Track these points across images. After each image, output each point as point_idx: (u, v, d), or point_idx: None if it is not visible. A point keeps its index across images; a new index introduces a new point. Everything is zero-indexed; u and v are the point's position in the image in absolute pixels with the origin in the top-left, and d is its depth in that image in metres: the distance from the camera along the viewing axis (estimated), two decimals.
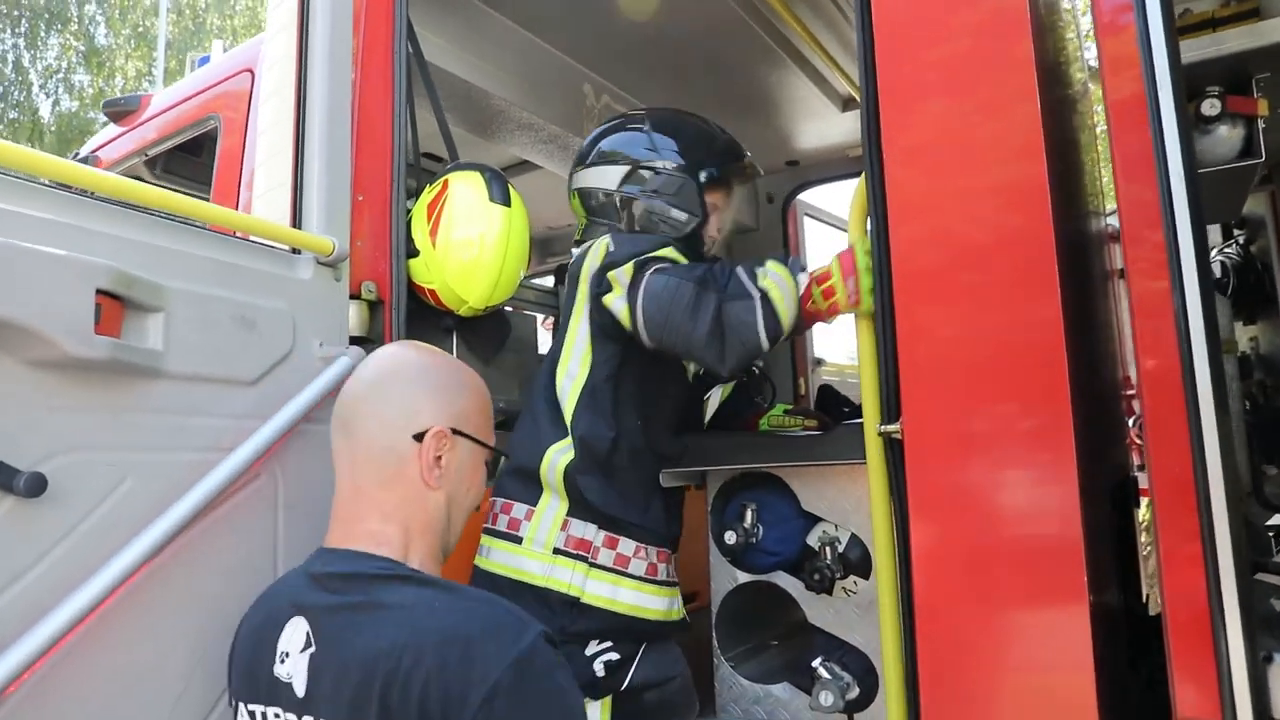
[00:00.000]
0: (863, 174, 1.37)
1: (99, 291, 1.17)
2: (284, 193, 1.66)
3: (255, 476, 1.42)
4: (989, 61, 1.25)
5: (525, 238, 1.91)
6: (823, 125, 3.23)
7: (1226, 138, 1.65)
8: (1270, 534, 2.11)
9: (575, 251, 1.87)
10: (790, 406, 2.03)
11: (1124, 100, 1.14)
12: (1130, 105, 1.12)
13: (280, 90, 1.72)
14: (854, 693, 1.58)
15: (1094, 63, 1.29)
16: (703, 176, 1.80)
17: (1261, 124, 1.62)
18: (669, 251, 1.65)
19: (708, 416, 1.98)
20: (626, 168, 1.82)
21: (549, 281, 3.36)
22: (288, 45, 1.70)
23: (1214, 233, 3.12)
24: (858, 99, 1.68)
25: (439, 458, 1.21)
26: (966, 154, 1.26)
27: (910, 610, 1.24)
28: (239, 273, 1.46)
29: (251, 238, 1.55)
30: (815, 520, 1.74)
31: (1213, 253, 2.97)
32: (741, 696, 1.78)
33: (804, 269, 1.58)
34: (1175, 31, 1.10)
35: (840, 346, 4.02)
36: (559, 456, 1.65)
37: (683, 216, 1.79)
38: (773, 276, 1.54)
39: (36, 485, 1.09)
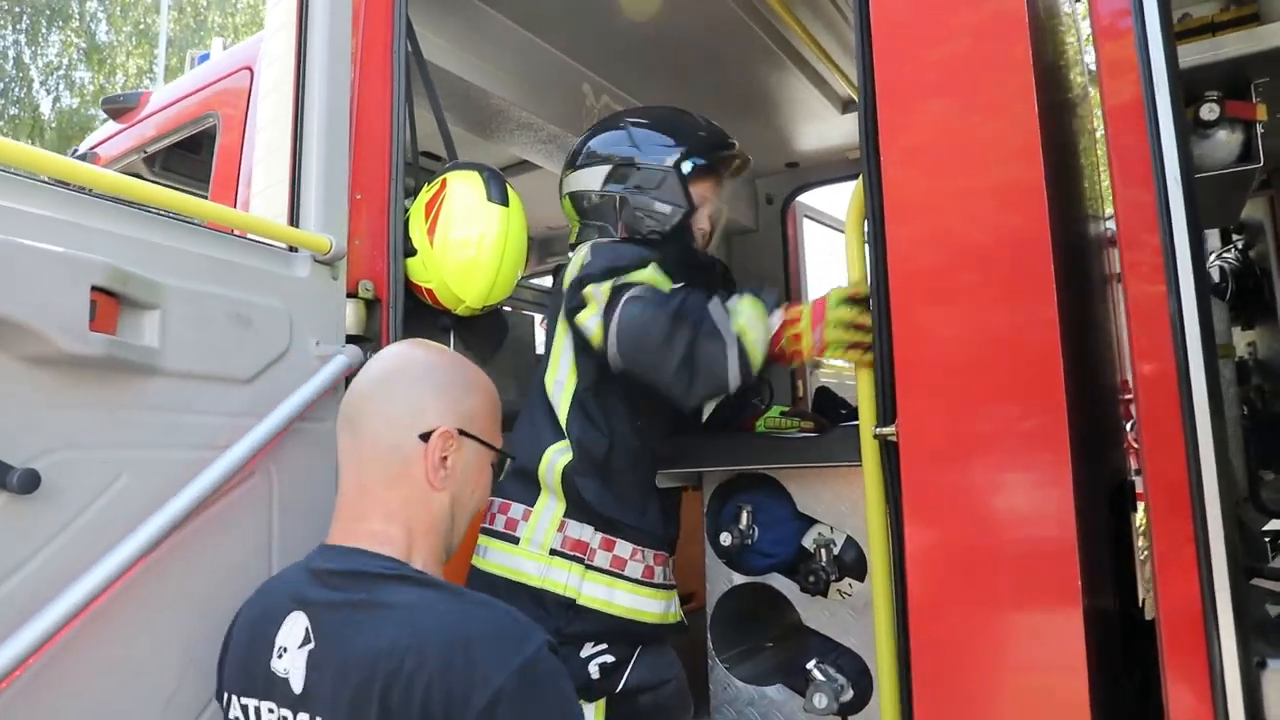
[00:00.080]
0: (860, 175, 1.37)
1: (94, 288, 1.17)
2: (282, 190, 1.65)
3: (250, 475, 1.42)
4: (987, 63, 1.25)
5: (523, 237, 1.91)
6: (822, 127, 3.24)
7: (1225, 142, 1.65)
8: (1267, 539, 2.11)
9: (571, 255, 1.87)
10: (787, 408, 2.03)
11: (1121, 104, 1.14)
12: (1128, 109, 1.12)
13: (279, 88, 1.71)
14: (848, 695, 1.58)
15: (1094, 66, 1.29)
16: (686, 168, 1.79)
17: (1260, 129, 1.62)
18: (647, 273, 1.62)
19: (704, 417, 1.98)
20: (609, 167, 1.83)
21: (548, 281, 3.36)
22: (287, 43, 1.70)
23: (1213, 237, 3.12)
24: (857, 101, 1.68)
25: (444, 458, 1.20)
26: (964, 155, 1.26)
27: (904, 613, 1.24)
28: (235, 270, 1.46)
29: (248, 235, 1.55)
30: (811, 522, 1.74)
31: (1211, 257, 2.97)
32: (736, 698, 1.78)
33: (780, 306, 1.58)
34: (1173, 36, 1.10)
35: None
36: (558, 457, 1.65)
37: (667, 209, 1.78)
38: (747, 318, 1.54)
39: (30, 482, 1.09)
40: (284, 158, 1.66)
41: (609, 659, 1.61)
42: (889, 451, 1.31)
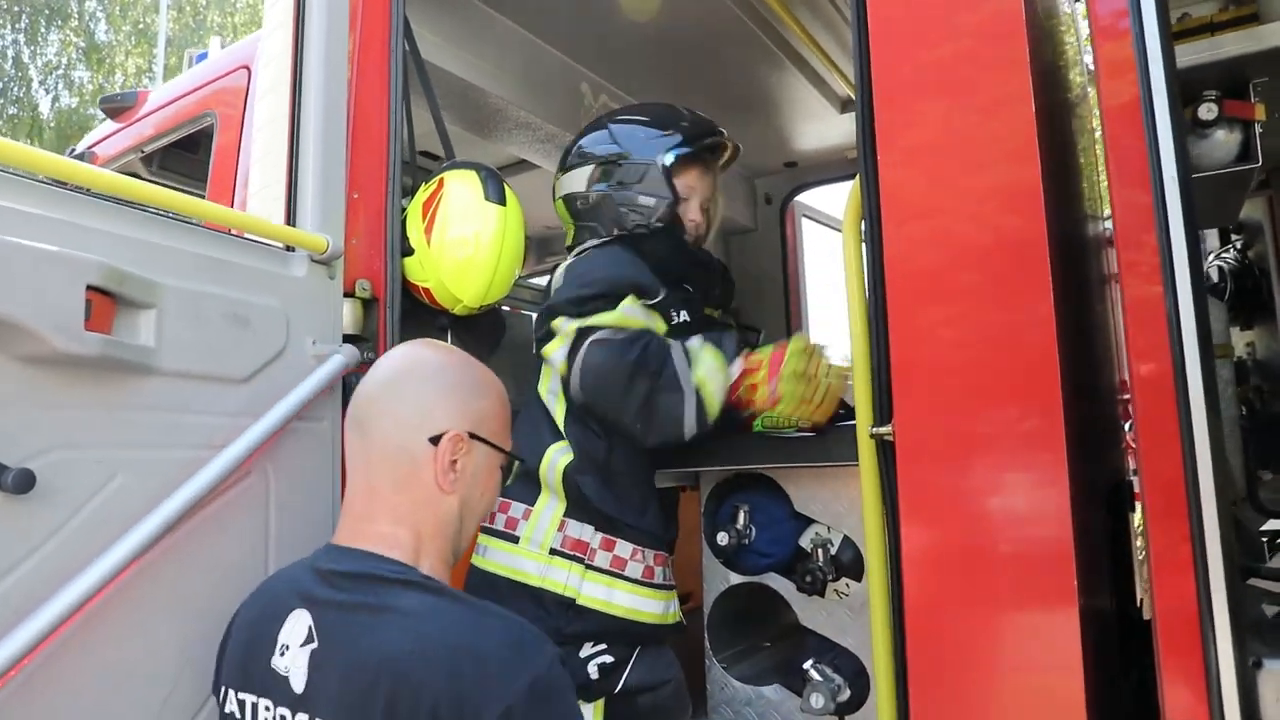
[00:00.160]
0: (857, 175, 1.37)
1: (89, 288, 1.17)
2: (279, 190, 1.65)
3: (247, 474, 1.41)
4: (985, 63, 1.25)
5: (520, 237, 1.91)
6: (821, 127, 3.23)
7: (1223, 142, 1.65)
8: (1264, 539, 2.10)
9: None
10: None
11: (1119, 104, 1.14)
12: (1125, 109, 1.12)
13: (276, 87, 1.71)
14: (845, 695, 1.58)
15: (1093, 66, 1.29)
16: (668, 159, 1.79)
17: (1259, 128, 1.61)
18: (613, 316, 1.64)
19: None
20: (592, 167, 1.83)
21: (544, 281, 3.35)
22: (284, 42, 1.69)
23: (1211, 237, 3.12)
24: (855, 101, 1.68)
25: (454, 461, 1.18)
26: (961, 156, 1.26)
27: (901, 613, 1.24)
28: (232, 270, 1.45)
29: (245, 235, 1.55)
30: (808, 522, 1.74)
31: (1210, 258, 2.97)
32: (733, 698, 1.78)
33: (740, 354, 1.64)
34: (1171, 36, 1.10)
35: (838, 348, 4.02)
36: (559, 456, 1.65)
37: (650, 201, 1.77)
38: (707, 369, 1.59)
39: (24, 481, 1.09)
40: (281, 157, 1.65)
41: (608, 659, 1.61)
42: (885, 451, 1.30)
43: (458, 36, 2.27)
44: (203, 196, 2.23)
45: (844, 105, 3.09)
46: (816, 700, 1.56)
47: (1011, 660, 1.18)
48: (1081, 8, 2.21)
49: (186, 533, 1.30)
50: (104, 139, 2.75)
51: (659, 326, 1.73)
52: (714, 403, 1.59)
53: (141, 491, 1.24)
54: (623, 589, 1.64)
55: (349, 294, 1.68)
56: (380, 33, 1.80)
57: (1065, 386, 1.16)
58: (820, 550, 1.69)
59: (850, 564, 1.67)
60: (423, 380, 1.22)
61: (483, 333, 2.13)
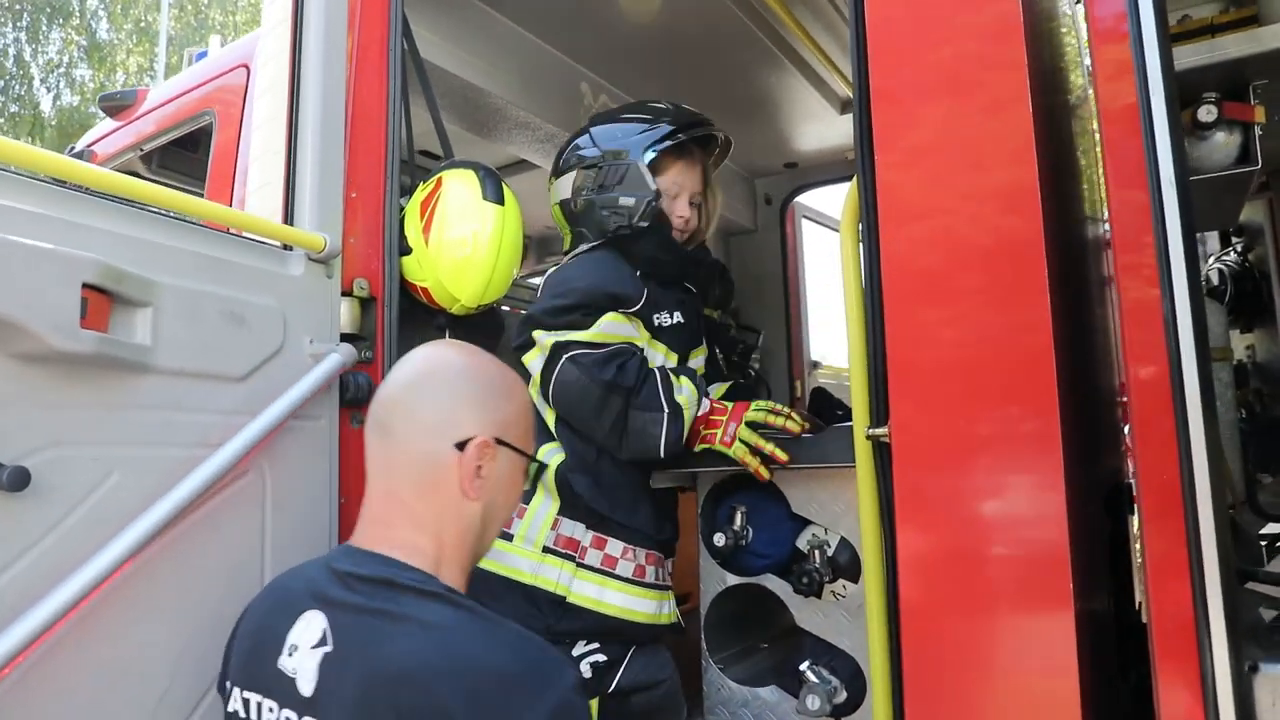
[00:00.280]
0: (854, 177, 1.37)
1: (86, 286, 1.16)
2: (277, 188, 1.65)
3: (243, 473, 1.41)
4: (983, 65, 1.25)
5: (518, 236, 1.91)
6: (821, 127, 3.23)
7: (1223, 144, 1.64)
8: (1263, 543, 2.10)
9: None
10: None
11: (1116, 107, 1.14)
12: (1123, 112, 1.12)
13: (275, 86, 1.71)
14: (841, 697, 1.58)
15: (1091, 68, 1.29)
16: (648, 156, 1.77)
17: (1259, 131, 1.61)
18: (590, 334, 1.65)
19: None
20: (575, 172, 1.83)
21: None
22: (283, 41, 1.69)
23: (1212, 240, 3.12)
24: (853, 102, 1.68)
25: (479, 467, 1.15)
26: (959, 157, 1.26)
27: (896, 614, 1.24)
28: (229, 268, 1.45)
29: (243, 233, 1.55)
30: (805, 523, 1.73)
31: (1210, 260, 2.97)
32: (730, 699, 1.78)
33: (706, 395, 1.74)
34: (1169, 38, 1.09)
35: (837, 349, 4.03)
36: (551, 456, 1.66)
37: (630, 201, 1.76)
38: (686, 394, 1.66)
39: (20, 479, 1.08)
40: (279, 156, 1.65)
41: (601, 658, 1.61)
42: (882, 452, 1.30)
43: (457, 36, 2.27)
44: (202, 195, 2.23)
45: (844, 106, 3.09)
46: (813, 702, 1.56)
47: (1007, 662, 1.17)
48: (1081, 10, 2.21)
49: (183, 531, 1.30)
50: (104, 137, 2.75)
51: (641, 335, 1.73)
52: (688, 428, 1.64)
53: (138, 489, 1.24)
54: (614, 588, 1.64)
55: (347, 293, 1.68)
56: (379, 31, 1.80)
57: (1062, 388, 1.15)
58: (817, 552, 1.68)
59: (847, 565, 1.67)
60: (447, 384, 1.19)
61: (481, 332, 2.12)
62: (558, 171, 1.90)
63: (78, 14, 15.05)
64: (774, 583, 1.76)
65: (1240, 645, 1.01)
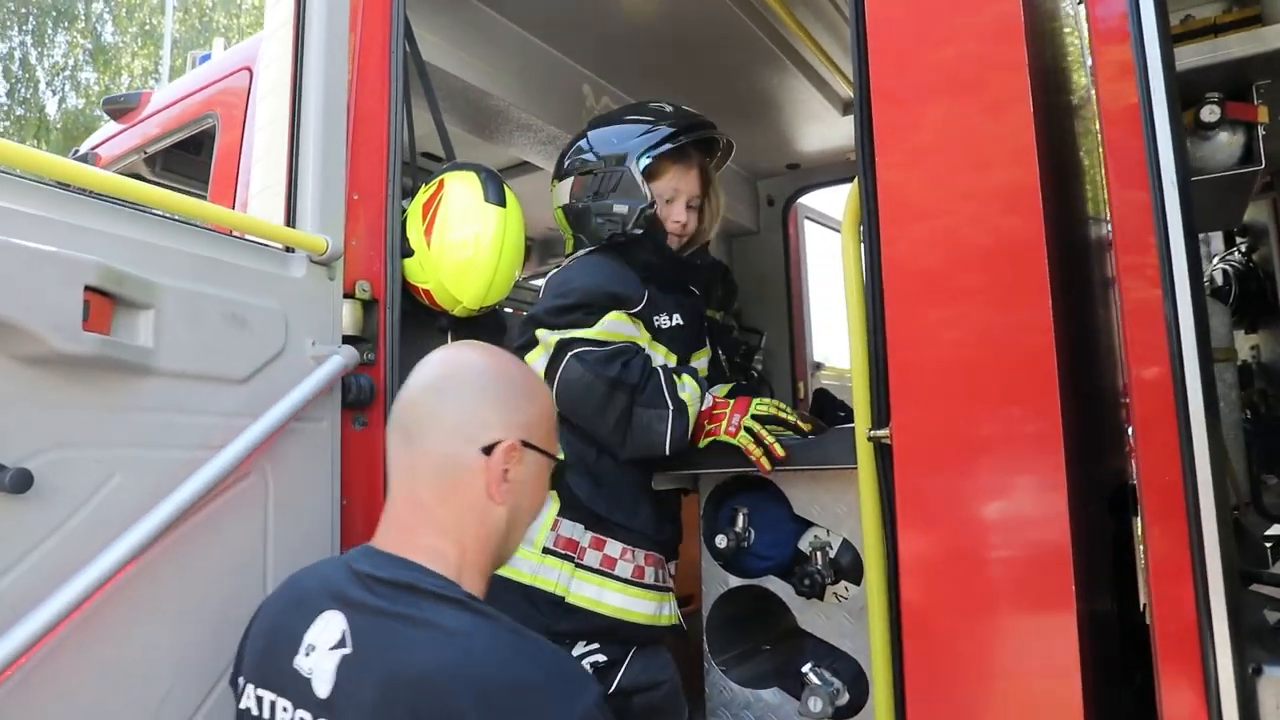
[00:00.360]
0: (855, 178, 1.37)
1: (88, 288, 1.17)
2: (279, 191, 1.65)
3: (245, 475, 1.42)
4: (984, 66, 1.24)
5: (520, 238, 1.91)
6: (823, 128, 3.23)
7: (1226, 144, 1.64)
8: (1268, 544, 2.09)
9: None
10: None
11: (1118, 107, 1.13)
12: (1124, 112, 1.11)
13: (278, 88, 1.72)
14: (844, 699, 1.58)
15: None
16: (642, 162, 1.76)
17: (1262, 131, 1.61)
18: (593, 332, 1.65)
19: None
20: (572, 178, 1.83)
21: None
22: (285, 43, 1.70)
23: (1216, 240, 3.11)
24: (853, 103, 1.68)
25: (506, 471, 1.13)
26: (960, 158, 1.25)
27: (898, 616, 1.23)
28: (231, 270, 1.46)
29: (245, 236, 1.55)
30: (807, 525, 1.73)
31: (1215, 261, 2.96)
32: (732, 701, 1.77)
33: (712, 393, 1.76)
34: (1170, 38, 1.09)
35: (840, 350, 4.03)
36: None
37: (624, 209, 1.75)
38: (690, 391, 1.66)
39: (22, 481, 1.09)
40: (281, 158, 1.66)
41: (601, 658, 1.61)
42: (883, 454, 1.30)
43: (458, 38, 2.27)
44: (206, 197, 2.24)
45: (846, 107, 3.09)
46: (815, 704, 1.55)
47: (1009, 664, 1.17)
48: (1083, 9, 2.20)
49: (185, 533, 1.30)
50: (108, 140, 2.76)
51: (642, 336, 1.73)
52: (692, 424, 1.64)
53: (140, 491, 1.24)
54: (612, 588, 1.64)
55: (349, 295, 1.69)
56: (381, 34, 1.80)
57: (1063, 389, 1.15)
58: (819, 553, 1.68)
59: (849, 567, 1.66)
60: (471, 387, 1.17)
61: (483, 334, 2.12)
62: (558, 175, 1.90)
63: (83, 17, 15.10)
64: (776, 584, 1.75)
65: (1244, 648, 1.00)
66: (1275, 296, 2.68)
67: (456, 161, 2.00)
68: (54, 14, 14.74)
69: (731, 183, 3.44)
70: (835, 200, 3.95)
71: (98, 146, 2.77)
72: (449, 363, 1.21)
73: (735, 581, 1.80)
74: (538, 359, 1.70)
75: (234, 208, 2.05)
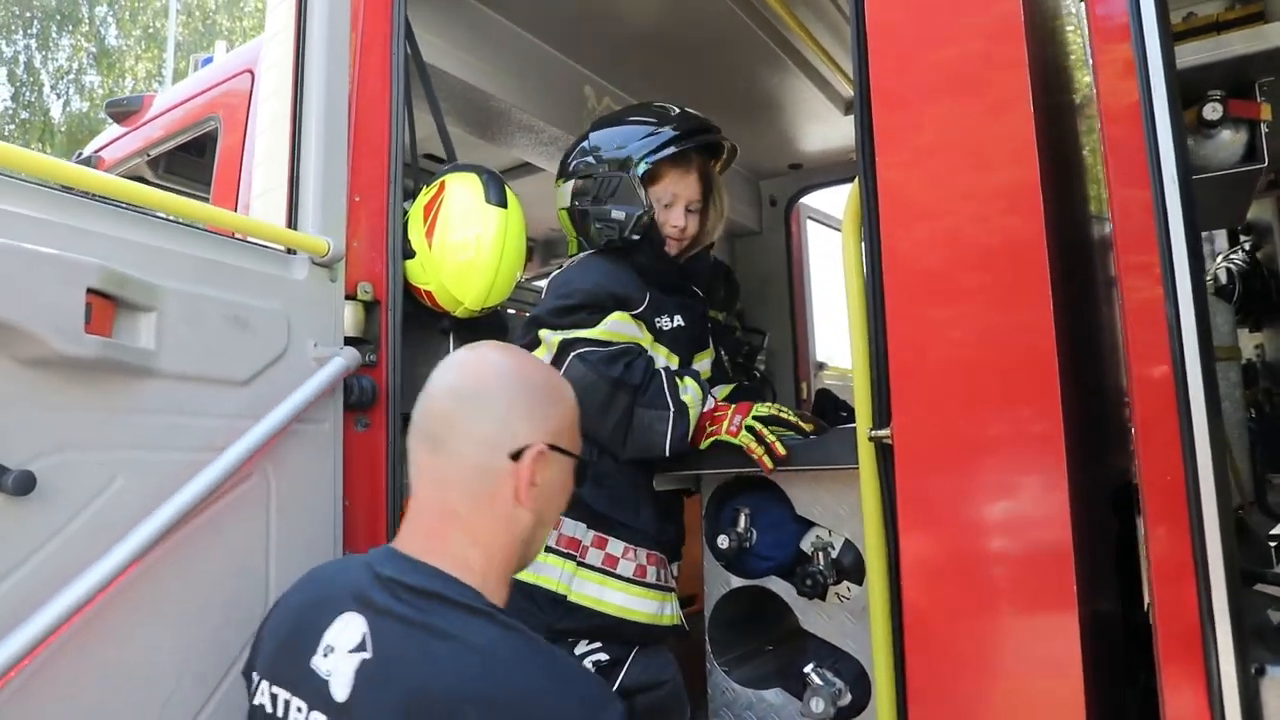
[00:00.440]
0: (856, 178, 1.36)
1: (90, 291, 1.17)
2: (281, 193, 1.66)
3: (247, 476, 1.42)
4: (984, 65, 1.24)
5: (521, 239, 1.92)
6: (825, 128, 3.23)
7: (1229, 142, 1.63)
8: (1272, 544, 2.08)
9: None
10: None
11: (1118, 105, 1.13)
12: (1125, 110, 1.11)
13: (279, 91, 1.72)
14: (846, 699, 1.57)
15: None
16: (640, 168, 1.75)
17: (1265, 128, 1.60)
18: (596, 332, 1.66)
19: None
20: (573, 181, 1.82)
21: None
22: (286, 46, 1.70)
23: (1220, 238, 3.10)
24: (854, 103, 1.68)
25: (534, 476, 1.12)
26: (960, 157, 1.25)
27: (899, 617, 1.23)
28: (233, 273, 1.46)
29: (247, 238, 1.56)
30: (809, 525, 1.73)
31: (1218, 259, 2.95)
32: (734, 701, 1.77)
33: (713, 396, 1.77)
34: (1171, 36, 1.09)
35: (843, 350, 4.02)
36: None
37: (621, 215, 1.75)
38: (692, 393, 1.67)
39: (25, 483, 1.09)
40: (283, 161, 1.66)
41: (603, 657, 1.61)
42: (884, 454, 1.30)
43: (459, 39, 2.27)
44: (208, 199, 2.25)
45: (848, 107, 3.09)
46: (817, 704, 1.55)
47: (1011, 664, 1.17)
48: (1084, 7, 2.19)
49: (187, 534, 1.30)
50: (111, 143, 2.77)
51: (645, 337, 1.73)
52: (693, 426, 1.65)
53: (142, 493, 1.25)
54: (614, 587, 1.64)
55: (350, 296, 1.69)
56: (381, 35, 1.80)
57: (1065, 389, 1.15)
58: (821, 554, 1.68)
59: (851, 568, 1.66)
60: (497, 393, 1.14)
61: (485, 335, 2.13)
62: (561, 176, 1.90)
63: (87, 21, 15.16)
64: (778, 585, 1.75)
65: (1247, 648, 1.00)
66: (1279, 295, 2.67)
67: (458, 163, 2.00)
68: (58, 17, 14.80)
69: (734, 183, 3.44)
70: (838, 200, 3.95)
71: (101, 149, 2.78)
72: (472, 367, 1.18)
73: (737, 582, 1.80)
74: (540, 359, 1.70)
75: (236, 210, 2.05)
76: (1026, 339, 1.16)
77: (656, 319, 1.77)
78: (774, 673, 1.83)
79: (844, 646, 1.66)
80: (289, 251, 1.60)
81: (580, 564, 1.63)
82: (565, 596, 1.60)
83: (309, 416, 1.51)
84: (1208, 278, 3.01)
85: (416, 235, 1.85)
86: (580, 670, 1.06)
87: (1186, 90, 1.48)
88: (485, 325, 2.08)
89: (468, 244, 1.83)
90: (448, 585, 1.06)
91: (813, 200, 3.83)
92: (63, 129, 14.82)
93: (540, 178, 2.88)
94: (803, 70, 2.80)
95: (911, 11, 1.31)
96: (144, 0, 15.47)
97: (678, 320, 1.82)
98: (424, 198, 1.91)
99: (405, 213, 1.87)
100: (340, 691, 1.01)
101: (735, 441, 1.63)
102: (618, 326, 1.68)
